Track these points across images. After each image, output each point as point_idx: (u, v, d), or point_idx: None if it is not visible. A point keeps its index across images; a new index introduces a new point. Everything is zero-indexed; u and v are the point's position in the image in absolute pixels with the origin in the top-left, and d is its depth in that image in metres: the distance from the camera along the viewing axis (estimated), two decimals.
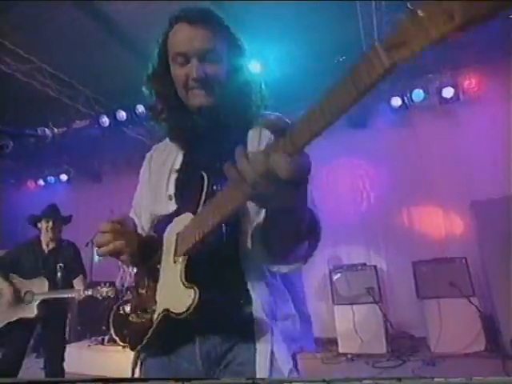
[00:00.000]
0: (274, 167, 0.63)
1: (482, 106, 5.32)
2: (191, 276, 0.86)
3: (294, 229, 0.80)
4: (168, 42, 1.05)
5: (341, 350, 4.88)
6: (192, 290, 0.82)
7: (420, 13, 0.45)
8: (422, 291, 4.79)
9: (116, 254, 0.94)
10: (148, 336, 0.93)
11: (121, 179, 6.93)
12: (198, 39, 1.00)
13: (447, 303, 4.51)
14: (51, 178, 8.33)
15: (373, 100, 5.95)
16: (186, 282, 0.84)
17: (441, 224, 5.55)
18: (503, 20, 4.28)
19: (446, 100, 5.42)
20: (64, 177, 8.19)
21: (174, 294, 0.86)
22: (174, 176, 1.11)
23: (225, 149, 1.01)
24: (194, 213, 0.90)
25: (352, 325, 4.83)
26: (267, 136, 1.00)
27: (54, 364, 3.41)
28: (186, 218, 0.92)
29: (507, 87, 4.73)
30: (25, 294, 3.40)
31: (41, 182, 8.46)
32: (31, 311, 3.31)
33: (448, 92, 5.37)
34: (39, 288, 3.39)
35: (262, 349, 0.90)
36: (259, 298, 0.94)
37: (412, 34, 0.46)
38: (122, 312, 1.07)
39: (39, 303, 3.32)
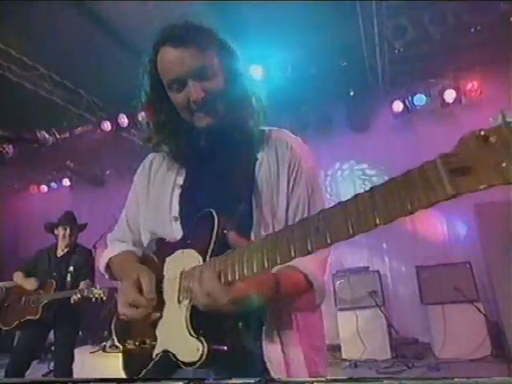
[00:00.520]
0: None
1: (484, 110, 5.30)
2: (198, 325, 0.83)
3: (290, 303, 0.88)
4: (158, 69, 1.02)
5: (344, 356, 4.84)
6: (200, 344, 0.79)
7: (493, 139, 0.40)
8: (426, 296, 4.75)
9: None
10: (148, 368, 0.90)
11: (123, 184, 6.91)
12: (187, 60, 0.96)
13: (451, 308, 4.47)
14: (54, 184, 8.37)
15: (374, 104, 5.96)
16: (192, 331, 0.82)
17: (444, 228, 5.52)
18: (504, 23, 4.28)
19: (447, 103, 5.41)
20: (66, 182, 8.22)
21: (179, 339, 0.84)
22: (177, 192, 1.08)
23: (232, 168, 1.02)
24: (201, 253, 0.87)
25: (355, 330, 4.79)
26: (287, 157, 1.03)
27: (64, 366, 3.53)
28: (192, 256, 0.89)
29: (509, 90, 4.72)
30: (33, 295, 3.57)
31: (43, 187, 8.49)
32: (36, 312, 3.46)
33: (450, 95, 5.37)
34: (47, 290, 3.55)
35: None
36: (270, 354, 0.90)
37: (481, 162, 0.41)
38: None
39: (44, 305, 3.46)
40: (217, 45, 1.02)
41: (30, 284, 3.59)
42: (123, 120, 6.00)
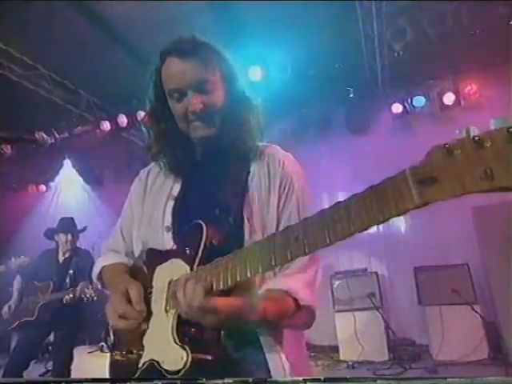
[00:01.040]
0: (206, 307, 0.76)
1: (483, 112, 5.31)
2: (184, 333, 0.84)
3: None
4: (162, 79, 1.06)
5: (342, 358, 4.84)
6: (184, 352, 0.80)
7: (457, 152, 0.43)
8: (424, 298, 4.75)
9: None
10: (135, 377, 0.91)
11: (122, 184, 6.92)
12: (190, 72, 1.01)
13: (449, 310, 4.47)
14: (52, 183, 8.34)
15: (374, 106, 5.97)
16: (177, 340, 0.83)
17: (442, 230, 5.52)
18: (504, 25, 4.30)
19: (446, 105, 5.42)
20: None
21: (165, 348, 0.85)
22: (171, 203, 1.09)
23: (225, 180, 1.04)
24: (189, 263, 0.89)
25: (353, 332, 4.79)
26: (278, 173, 1.05)
27: (62, 366, 3.59)
28: (180, 266, 0.90)
29: (508, 93, 4.73)
30: (32, 297, 3.66)
31: (42, 187, 8.47)
32: (32, 314, 3.53)
33: (449, 98, 5.38)
34: (44, 292, 3.62)
35: None
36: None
37: (445, 174, 0.44)
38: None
39: (40, 306, 3.54)
40: (220, 62, 1.06)
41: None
42: (122, 120, 6.00)
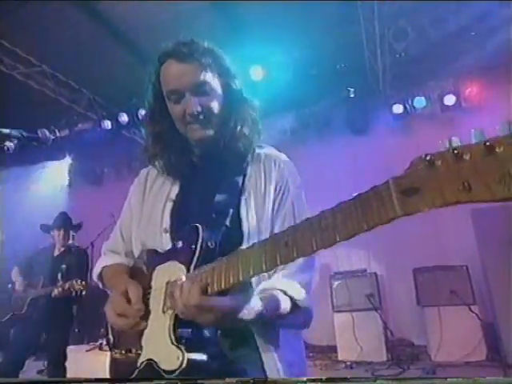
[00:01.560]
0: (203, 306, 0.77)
1: (484, 113, 5.32)
2: (181, 334, 0.86)
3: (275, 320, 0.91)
4: (160, 81, 1.07)
5: (340, 358, 4.84)
6: (180, 352, 0.82)
7: (438, 163, 0.45)
8: (423, 299, 4.75)
9: None
10: (133, 377, 0.93)
11: (122, 182, 6.93)
12: (188, 75, 1.02)
13: (448, 311, 4.47)
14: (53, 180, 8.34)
15: (374, 106, 5.97)
16: (174, 340, 0.84)
17: (441, 231, 5.52)
18: (504, 27, 4.30)
19: (447, 107, 5.42)
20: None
21: (162, 348, 0.86)
22: (169, 205, 1.10)
23: (222, 183, 1.05)
24: (186, 264, 0.90)
25: (352, 332, 4.79)
26: (274, 176, 1.05)
27: (57, 363, 3.59)
28: (178, 267, 0.92)
29: (508, 94, 4.73)
30: (21, 291, 3.72)
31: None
32: (21, 308, 3.60)
33: (449, 99, 5.38)
34: (34, 287, 3.67)
35: None
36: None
37: (427, 185, 0.45)
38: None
39: (30, 300, 3.60)
40: (218, 66, 1.07)
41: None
42: (123, 118, 6.00)
